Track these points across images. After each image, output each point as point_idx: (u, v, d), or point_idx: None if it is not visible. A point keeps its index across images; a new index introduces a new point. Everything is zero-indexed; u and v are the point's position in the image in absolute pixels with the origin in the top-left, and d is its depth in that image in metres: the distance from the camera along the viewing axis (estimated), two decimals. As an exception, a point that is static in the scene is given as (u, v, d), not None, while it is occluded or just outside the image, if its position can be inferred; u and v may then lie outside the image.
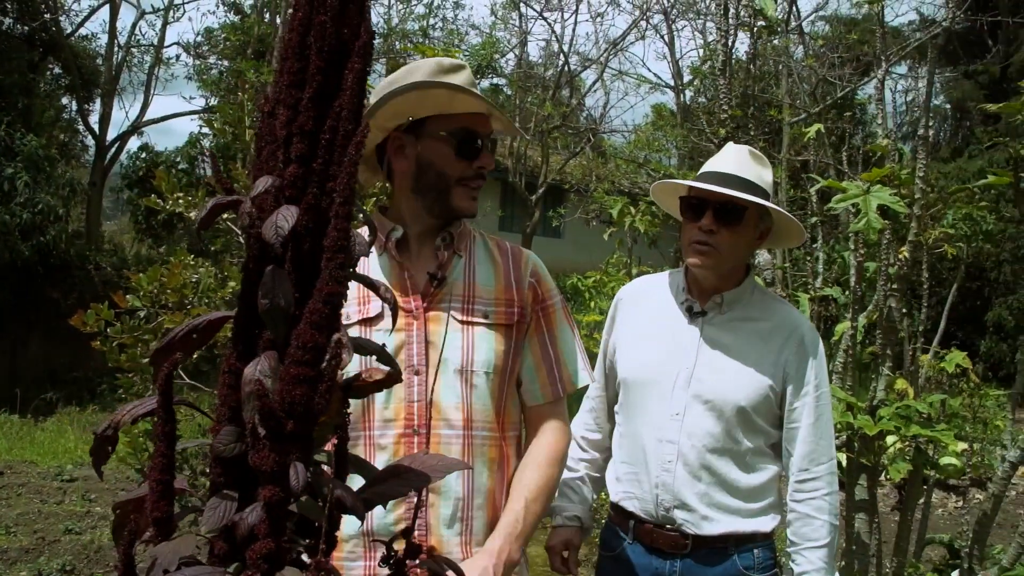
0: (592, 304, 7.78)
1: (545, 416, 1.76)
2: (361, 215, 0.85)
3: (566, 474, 2.09)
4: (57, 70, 14.10)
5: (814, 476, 1.95)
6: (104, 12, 16.41)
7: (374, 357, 1.57)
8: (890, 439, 2.91)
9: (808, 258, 3.27)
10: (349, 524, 1.57)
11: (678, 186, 2.08)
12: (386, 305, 1.61)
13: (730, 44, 3.32)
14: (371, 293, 1.63)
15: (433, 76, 1.63)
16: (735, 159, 2.02)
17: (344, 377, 0.89)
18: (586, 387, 1.91)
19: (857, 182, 2.78)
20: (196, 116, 16.31)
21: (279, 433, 0.65)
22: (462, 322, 1.66)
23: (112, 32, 16.10)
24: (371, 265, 1.68)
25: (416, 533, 1.57)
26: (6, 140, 10.71)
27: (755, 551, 1.97)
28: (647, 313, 2.11)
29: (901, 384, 3.12)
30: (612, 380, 2.14)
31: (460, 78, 1.64)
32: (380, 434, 1.61)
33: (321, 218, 0.83)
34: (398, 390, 1.61)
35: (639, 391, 2.04)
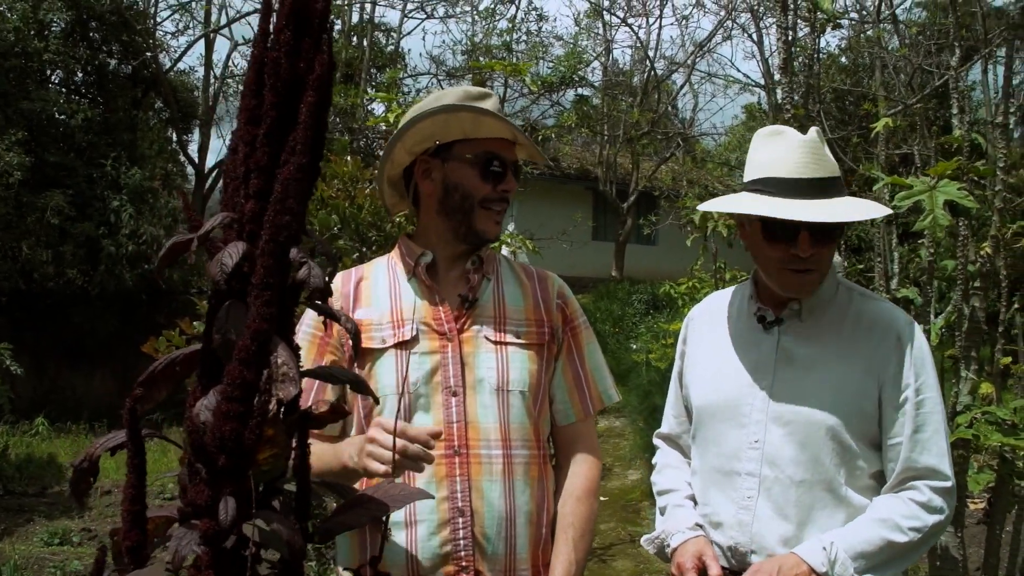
0: (685, 311, 7.70)
1: (577, 436, 1.79)
2: (316, 245, 0.86)
3: (667, 499, 1.88)
4: (158, 104, 14.85)
5: (912, 487, 1.62)
6: (200, 46, 17.21)
7: (407, 378, 1.62)
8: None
9: (878, 258, 3.13)
10: (393, 548, 1.59)
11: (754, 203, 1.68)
12: (419, 327, 1.66)
13: (790, 39, 3.22)
14: (406, 317, 1.67)
15: (461, 102, 1.67)
16: (809, 154, 1.64)
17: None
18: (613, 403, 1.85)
19: (925, 177, 2.65)
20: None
21: (212, 468, 0.67)
22: (495, 342, 1.69)
23: (208, 64, 16.86)
24: (402, 290, 1.72)
25: (462, 552, 1.60)
26: (112, 174, 11.35)
27: None
28: (717, 331, 1.84)
29: (986, 388, 2.95)
30: (691, 412, 1.88)
31: (487, 105, 1.68)
32: None
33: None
34: (436, 411, 1.64)
35: (712, 419, 1.77)
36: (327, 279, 0.85)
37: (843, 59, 14.86)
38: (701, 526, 1.78)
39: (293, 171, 0.77)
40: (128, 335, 11.45)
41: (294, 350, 0.81)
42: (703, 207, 1.85)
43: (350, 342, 1.68)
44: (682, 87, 20.04)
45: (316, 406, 0.81)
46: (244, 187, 0.86)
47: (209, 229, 0.80)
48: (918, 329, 1.70)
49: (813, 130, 1.68)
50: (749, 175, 1.71)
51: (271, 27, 0.88)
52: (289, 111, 0.86)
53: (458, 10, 18.40)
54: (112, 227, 11.08)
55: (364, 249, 3.50)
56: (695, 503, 1.85)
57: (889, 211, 1.69)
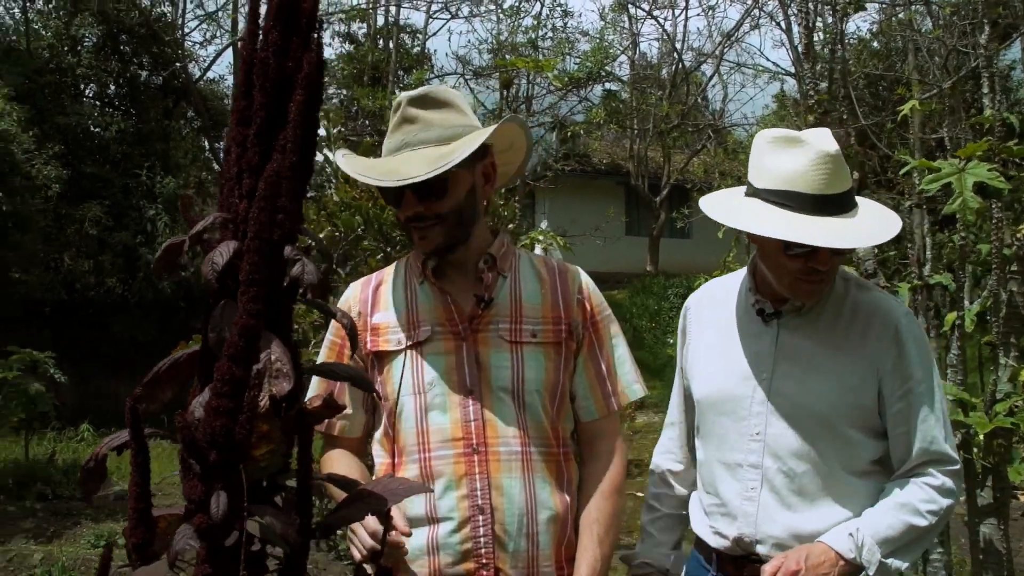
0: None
1: (600, 433, 1.77)
2: (311, 242, 0.86)
3: (646, 514, 1.96)
4: (190, 113, 15.08)
5: (926, 472, 1.64)
6: (228, 55, 17.43)
7: (425, 377, 1.63)
8: None
9: (910, 245, 3.06)
10: (415, 542, 1.59)
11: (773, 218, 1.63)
12: (434, 328, 1.66)
13: (811, 25, 3.17)
14: (420, 318, 1.67)
15: (392, 113, 1.71)
16: (830, 168, 1.61)
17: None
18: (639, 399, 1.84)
19: (954, 160, 2.59)
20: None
21: (204, 464, 0.67)
22: (511, 342, 1.67)
23: (236, 72, 17.07)
24: (417, 292, 1.72)
25: (483, 550, 1.60)
26: (147, 184, 11.55)
27: None
28: (717, 322, 1.85)
29: (1025, 375, 2.87)
30: (692, 402, 1.90)
31: (410, 111, 1.66)
32: (439, 455, 1.64)
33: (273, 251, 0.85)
34: (454, 411, 1.64)
35: (714, 412, 1.80)
36: (322, 276, 0.85)
37: (875, 44, 14.60)
38: (651, 564, 1.89)
39: (280, 169, 0.77)
40: (167, 342, 11.60)
41: (289, 347, 0.81)
42: (717, 218, 1.69)
43: (371, 347, 1.69)
44: (711, 78, 19.90)
45: (310, 401, 0.81)
46: (237, 187, 0.86)
47: (201, 229, 0.81)
48: (915, 320, 1.73)
49: (830, 138, 1.64)
50: (762, 182, 1.66)
51: (260, 27, 0.88)
52: (279, 111, 0.86)
53: (483, 9, 18.40)
54: (148, 236, 11.28)
55: (388, 249, 3.51)
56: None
57: (900, 223, 1.69)
